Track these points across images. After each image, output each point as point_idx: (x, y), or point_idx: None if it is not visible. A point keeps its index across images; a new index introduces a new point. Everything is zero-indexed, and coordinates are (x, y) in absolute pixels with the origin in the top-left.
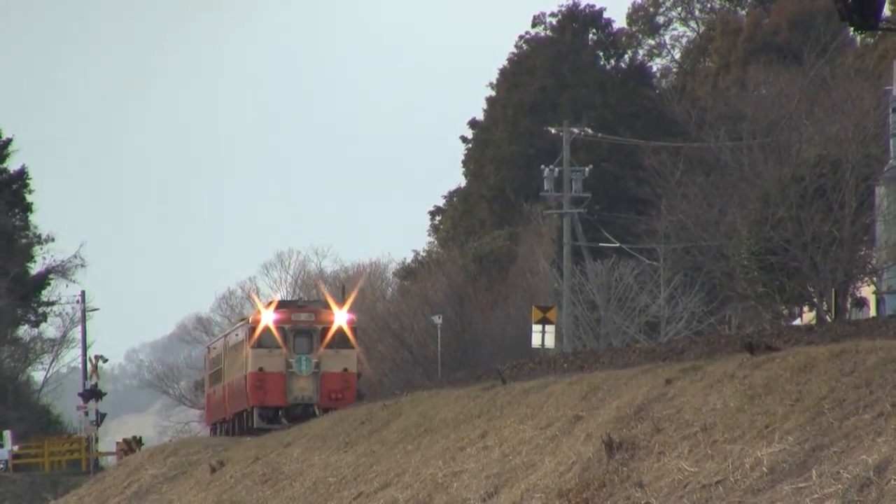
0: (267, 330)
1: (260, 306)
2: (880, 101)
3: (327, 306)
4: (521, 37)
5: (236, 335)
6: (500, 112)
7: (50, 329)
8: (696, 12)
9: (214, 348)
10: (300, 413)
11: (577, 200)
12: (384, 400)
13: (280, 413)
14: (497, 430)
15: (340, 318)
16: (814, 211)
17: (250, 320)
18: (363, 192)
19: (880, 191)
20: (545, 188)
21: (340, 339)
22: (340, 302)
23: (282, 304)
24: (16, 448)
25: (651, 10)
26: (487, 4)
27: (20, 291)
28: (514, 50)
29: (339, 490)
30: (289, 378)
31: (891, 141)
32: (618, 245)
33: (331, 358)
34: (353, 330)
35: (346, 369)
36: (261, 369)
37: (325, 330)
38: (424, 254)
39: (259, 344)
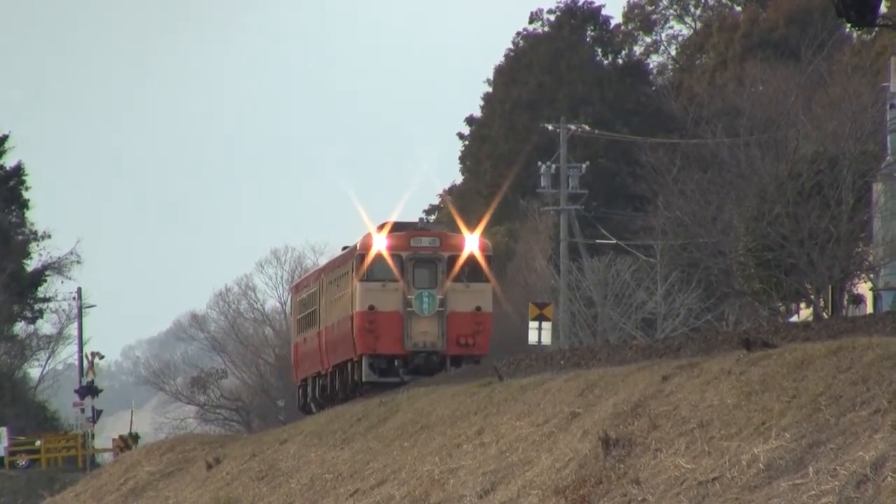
0: (379, 258)
1: (371, 228)
2: (878, 97)
3: (454, 229)
4: (518, 33)
5: (338, 266)
6: (497, 108)
7: (46, 326)
8: (692, 8)
9: (306, 286)
10: (422, 363)
11: (574, 197)
12: (381, 396)
13: (396, 363)
14: (494, 427)
15: (472, 243)
16: (811, 207)
17: (357, 246)
18: (361, 188)
19: (877, 187)
20: (542, 185)
21: (472, 271)
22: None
23: (397, 227)
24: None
25: (647, 7)
26: (484, 1)
27: (16, 288)
28: (511, 46)
29: (336, 487)
30: (407, 319)
31: (888, 137)
32: (615, 242)
33: (460, 294)
34: (488, 259)
35: (478, 308)
36: (371, 308)
37: (453, 259)
38: None
39: (369, 276)
